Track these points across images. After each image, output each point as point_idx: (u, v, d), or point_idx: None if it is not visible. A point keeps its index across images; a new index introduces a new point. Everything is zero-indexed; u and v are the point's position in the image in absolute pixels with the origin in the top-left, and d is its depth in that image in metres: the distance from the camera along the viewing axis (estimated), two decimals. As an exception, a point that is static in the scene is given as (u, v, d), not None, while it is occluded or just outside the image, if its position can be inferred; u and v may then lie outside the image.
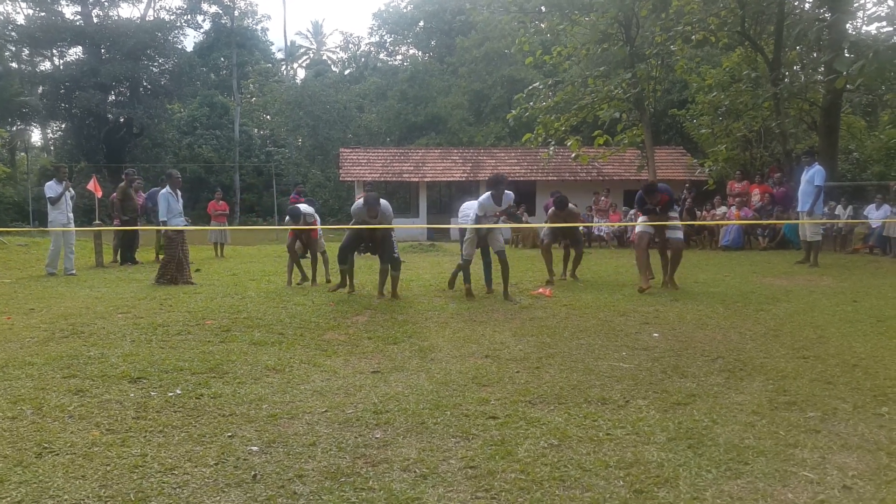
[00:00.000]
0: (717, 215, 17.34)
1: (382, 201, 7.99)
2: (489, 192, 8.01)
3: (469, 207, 8.44)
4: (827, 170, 12.13)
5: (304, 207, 9.59)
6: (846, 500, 2.61)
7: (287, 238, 9.77)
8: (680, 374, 4.55)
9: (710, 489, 2.73)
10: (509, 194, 8.04)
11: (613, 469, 2.95)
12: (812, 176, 11.23)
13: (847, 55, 14.14)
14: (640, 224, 8.87)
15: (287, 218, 9.54)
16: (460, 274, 8.40)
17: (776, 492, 2.71)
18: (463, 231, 8.39)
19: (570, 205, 9.69)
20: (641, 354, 5.11)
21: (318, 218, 9.82)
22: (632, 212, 19.36)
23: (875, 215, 14.39)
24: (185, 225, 10.12)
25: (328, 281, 9.57)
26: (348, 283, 8.57)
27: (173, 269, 9.61)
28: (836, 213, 15.43)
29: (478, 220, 8.04)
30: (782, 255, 13.90)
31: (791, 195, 14.75)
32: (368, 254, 8.92)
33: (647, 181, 8.81)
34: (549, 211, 9.89)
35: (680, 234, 8.64)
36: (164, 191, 9.97)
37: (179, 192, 10.20)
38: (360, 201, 8.16)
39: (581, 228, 10.89)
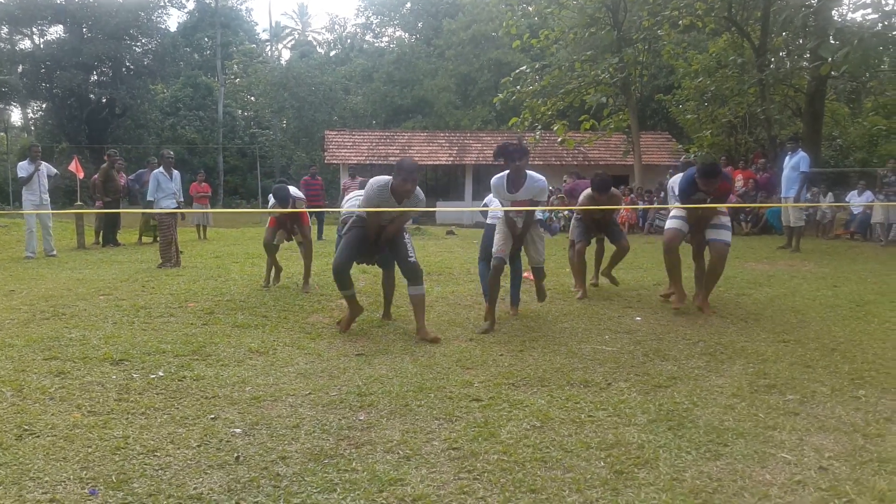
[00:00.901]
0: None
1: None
2: (504, 173, 5.59)
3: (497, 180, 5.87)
4: (811, 156, 12.21)
5: (293, 190, 7.63)
6: (822, 481, 2.66)
7: (266, 231, 7.63)
8: (661, 357, 4.59)
9: (690, 470, 2.77)
10: (539, 180, 5.49)
11: (595, 450, 2.98)
12: (797, 162, 11.30)
13: (832, 42, 14.19)
14: (673, 217, 6.39)
15: (271, 201, 7.45)
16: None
17: (754, 473, 2.75)
18: (492, 222, 6.11)
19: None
20: (624, 338, 5.15)
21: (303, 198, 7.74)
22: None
23: (857, 202, 14.53)
24: (176, 206, 9.97)
25: (306, 282, 7.45)
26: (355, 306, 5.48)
27: (174, 251, 9.54)
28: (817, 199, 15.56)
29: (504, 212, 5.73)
30: (765, 240, 14.00)
31: (775, 181, 14.87)
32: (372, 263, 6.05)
33: (704, 161, 6.13)
34: (583, 196, 7.13)
35: (727, 237, 6.05)
36: (156, 171, 9.91)
37: (177, 173, 10.11)
38: (378, 182, 5.20)
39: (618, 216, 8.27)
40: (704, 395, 3.74)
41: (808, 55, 16.80)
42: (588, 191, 7.05)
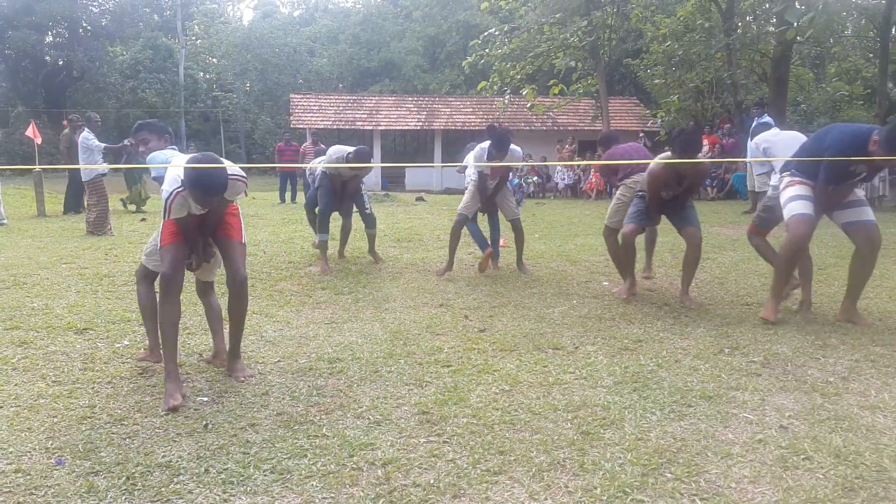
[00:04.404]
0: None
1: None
2: (486, 145, 6.22)
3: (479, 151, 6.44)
4: (776, 121, 12.34)
5: (230, 169, 3.41)
6: (782, 440, 2.73)
7: (163, 253, 3.42)
8: (628, 320, 4.66)
9: (655, 430, 2.83)
10: (516, 150, 6.18)
11: (562, 412, 3.03)
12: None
13: (798, 7, 14.27)
14: (796, 197, 4.49)
15: (175, 185, 3.29)
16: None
17: (717, 432, 2.82)
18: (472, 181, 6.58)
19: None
20: (591, 302, 5.21)
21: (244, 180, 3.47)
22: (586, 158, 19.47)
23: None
24: (103, 173, 9.82)
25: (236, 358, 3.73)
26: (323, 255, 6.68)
27: (107, 217, 9.42)
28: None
29: (479, 175, 6.33)
30: (730, 205, 14.21)
31: (741, 146, 15.03)
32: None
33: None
34: (655, 163, 5.17)
35: (872, 215, 4.54)
36: (85, 134, 9.76)
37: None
38: (339, 149, 6.74)
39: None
40: (669, 358, 3.81)
41: (775, 20, 16.88)
42: (666, 154, 5.21)
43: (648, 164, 5.25)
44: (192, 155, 3.41)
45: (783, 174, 4.68)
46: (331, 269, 6.41)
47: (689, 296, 5.24)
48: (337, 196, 6.78)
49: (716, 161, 14.93)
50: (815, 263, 6.67)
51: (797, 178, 4.54)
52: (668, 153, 5.15)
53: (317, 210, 6.92)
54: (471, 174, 6.52)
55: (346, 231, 7.30)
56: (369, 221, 6.96)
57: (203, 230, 3.53)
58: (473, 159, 6.38)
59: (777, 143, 5.17)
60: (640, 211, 5.33)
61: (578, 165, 18.67)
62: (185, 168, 3.21)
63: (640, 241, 5.82)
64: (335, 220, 6.97)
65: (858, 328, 4.38)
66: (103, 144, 10.13)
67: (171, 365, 3.24)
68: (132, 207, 13.17)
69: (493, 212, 6.76)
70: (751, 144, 5.27)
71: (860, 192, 4.62)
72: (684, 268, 5.31)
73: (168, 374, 3.22)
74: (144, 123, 4.05)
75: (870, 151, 4.16)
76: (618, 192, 5.73)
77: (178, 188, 3.26)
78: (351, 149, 6.66)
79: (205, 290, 3.88)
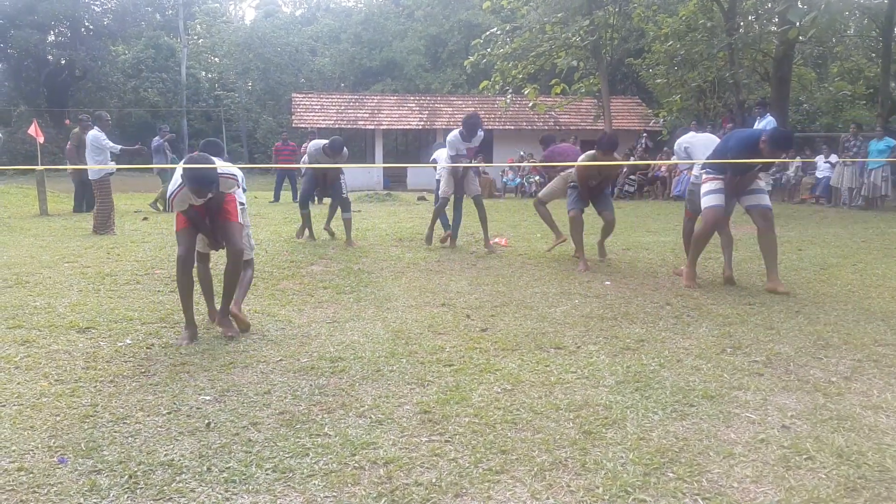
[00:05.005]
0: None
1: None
2: (458, 130, 7.64)
3: (440, 152, 8.25)
4: (778, 120, 12.34)
5: (223, 167, 4.22)
6: (784, 439, 2.73)
7: (178, 237, 4.23)
8: (630, 320, 4.66)
9: (657, 430, 2.83)
10: (481, 133, 7.73)
11: (564, 411, 3.03)
12: (765, 127, 11.42)
13: (800, 6, 14.24)
14: (711, 192, 5.64)
15: (177, 182, 4.02)
16: (438, 223, 8.28)
17: (719, 432, 2.81)
18: (439, 180, 8.11)
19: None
20: (593, 302, 5.21)
21: (239, 177, 4.41)
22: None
23: (822, 166, 14.77)
24: (112, 172, 9.82)
25: (225, 314, 4.31)
26: (309, 231, 8.62)
27: (112, 216, 9.44)
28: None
29: (451, 160, 7.69)
30: (732, 204, 14.17)
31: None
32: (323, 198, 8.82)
33: (782, 130, 5.82)
34: (582, 158, 6.96)
35: (769, 201, 5.77)
36: (95, 133, 9.74)
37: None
38: (316, 143, 8.39)
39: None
40: (671, 357, 3.81)
41: (777, 19, 16.86)
42: (591, 152, 6.80)
43: (587, 164, 6.76)
44: (188, 154, 4.20)
45: (702, 170, 5.86)
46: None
47: (605, 250, 7.28)
48: (318, 183, 8.42)
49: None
50: (817, 263, 6.75)
51: (711, 175, 5.68)
52: (593, 151, 6.73)
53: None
54: (440, 169, 8.00)
55: (333, 207, 8.78)
56: (345, 205, 8.23)
57: (207, 214, 4.25)
58: (448, 146, 7.72)
59: (696, 143, 6.30)
60: (576, 198, 7.06)
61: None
62: (182, 168, 3.98)
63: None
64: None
65: (861, 327, 4.38)
66: (119, 146, 10.09)
67: (189, 316, 4.16)
68: (161, 206, 13.08)
69: (458, 198, 8.08)
70: (675, 146, 6.65)
71: (762, 183, 5.82)
72: (601, 239, 7.28)
73: (187, 323, 4.17)
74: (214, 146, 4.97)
75: (760, 150, 5.28)
76: (553, 180, 7.78)
77: (178, 187, 4.02)
78: (326, 141, 8.07)
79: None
